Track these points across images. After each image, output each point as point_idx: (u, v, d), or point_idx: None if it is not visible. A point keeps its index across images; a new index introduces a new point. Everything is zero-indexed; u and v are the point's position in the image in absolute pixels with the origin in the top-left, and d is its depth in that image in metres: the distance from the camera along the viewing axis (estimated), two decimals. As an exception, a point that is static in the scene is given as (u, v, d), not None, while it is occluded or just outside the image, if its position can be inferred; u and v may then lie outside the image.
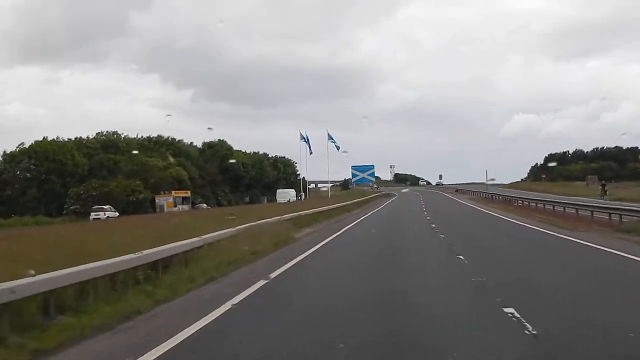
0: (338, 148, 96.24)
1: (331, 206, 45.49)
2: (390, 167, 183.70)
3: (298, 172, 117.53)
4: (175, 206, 76.88)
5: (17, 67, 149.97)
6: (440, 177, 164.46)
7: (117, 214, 63.55)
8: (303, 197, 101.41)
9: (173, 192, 78.91)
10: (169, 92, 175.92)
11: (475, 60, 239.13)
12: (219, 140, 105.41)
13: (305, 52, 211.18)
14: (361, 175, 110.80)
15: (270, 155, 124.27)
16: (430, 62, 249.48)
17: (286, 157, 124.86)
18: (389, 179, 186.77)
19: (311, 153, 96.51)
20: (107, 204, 67.30)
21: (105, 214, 61.07)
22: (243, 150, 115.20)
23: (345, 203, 55.21)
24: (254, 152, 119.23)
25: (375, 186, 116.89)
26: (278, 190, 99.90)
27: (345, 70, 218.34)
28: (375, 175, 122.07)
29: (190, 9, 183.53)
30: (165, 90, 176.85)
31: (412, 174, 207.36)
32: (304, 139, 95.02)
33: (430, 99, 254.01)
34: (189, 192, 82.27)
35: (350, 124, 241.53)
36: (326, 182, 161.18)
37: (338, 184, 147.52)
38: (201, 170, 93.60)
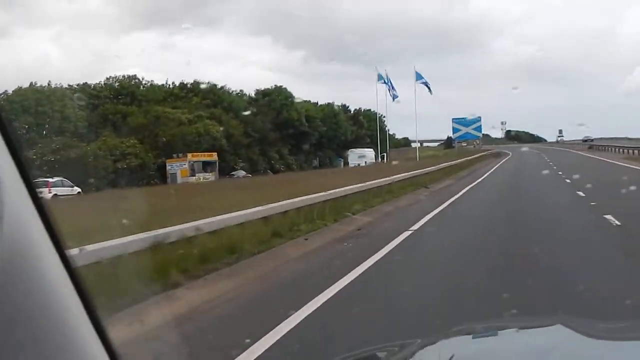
0: (431, 91, 73.54)
1: (387, 179, 20.99)
2: (502, 123, 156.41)
3: (387, 128, 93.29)
4: (193, 175, 54.29)
5: (135, 33, 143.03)
6: (561, 132, 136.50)
7: (77, 190, 41.53)
8: (385, 158, 76.92)
9: (189, 154, 55.54)
10: (280, 53, 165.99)
11: (595, 10, 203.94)
12: (276, 86, 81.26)
13: (416, 9, 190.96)
14: (465, 129, 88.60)
15: (351, 108, 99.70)
16: (548, 14, 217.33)
17: (372, 109, 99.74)
18: (500, 137, 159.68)
19: (393, 99, 72.09)
20: (86, 173, 45.86)
21: (49, 190, 38.93)
22: (313, 101, 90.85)
23: (427, 170, 31.45)
24: (328, 104, 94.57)
25: (479, 143, 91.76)
26: (349, 151, 75.36)
27: (458, 25, 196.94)
28: (484, 132, 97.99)
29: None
30: (277, 52, 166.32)
31: (526, 131, 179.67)
32: (383, 79, 70.02)
33: (548, 52, 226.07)
34: (214, 154, 58.37)
35: (462, 80, 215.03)
36: (432, 140, 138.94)
37: (442, 142, 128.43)
38: (247, 126, 70.21)
